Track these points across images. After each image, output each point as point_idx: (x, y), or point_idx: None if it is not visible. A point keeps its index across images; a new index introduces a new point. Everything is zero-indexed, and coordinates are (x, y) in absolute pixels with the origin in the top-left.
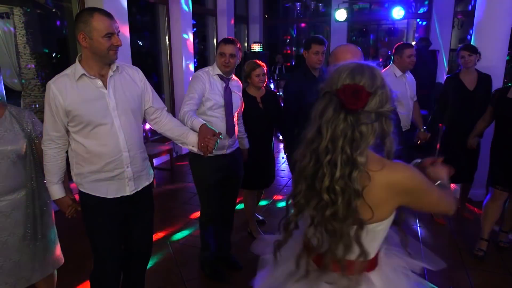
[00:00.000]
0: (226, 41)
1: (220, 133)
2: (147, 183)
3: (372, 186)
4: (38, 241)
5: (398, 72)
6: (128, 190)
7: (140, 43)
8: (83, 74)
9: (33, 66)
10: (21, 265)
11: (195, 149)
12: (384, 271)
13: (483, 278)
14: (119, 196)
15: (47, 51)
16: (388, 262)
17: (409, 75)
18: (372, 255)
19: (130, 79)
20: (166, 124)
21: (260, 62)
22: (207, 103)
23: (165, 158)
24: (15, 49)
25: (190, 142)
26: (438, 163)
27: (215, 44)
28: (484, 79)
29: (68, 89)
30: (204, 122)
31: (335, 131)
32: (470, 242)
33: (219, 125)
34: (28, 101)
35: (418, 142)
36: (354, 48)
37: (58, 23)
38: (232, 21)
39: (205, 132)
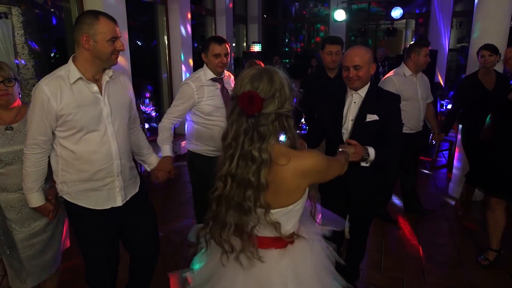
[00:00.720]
0: (220, 41)
1: (175, 174)
2: (134, 191)
3: (285, 177)
4: (60, 229)
5: (408, 72)
6: (120, 200)
7: (139, 43)
8: (80, 78)
9: (31, 66)
10: (46, 254)
11: (148, 168)
12: (301, 240)
13: (482, 277)
14: (109, 207)
15: (45, 51)
16: (303, 230)
17: (421, 75)
18: (293, 230)
19: (123, 87)
20: (137, 139)
21: (259, 62)
22: (205, 110)
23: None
24: (14, 49)
25: (149, 162)
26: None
27: None
28: (503, 79)
29: (64, 92)
30: (169, 155)
31: (238, 131)
32: (469, 242)
33: (223, 126)
34: (26, 101)
35: (433, 143)
36: (363, 51)
37: (56, 23)
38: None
39: (163, 166)
